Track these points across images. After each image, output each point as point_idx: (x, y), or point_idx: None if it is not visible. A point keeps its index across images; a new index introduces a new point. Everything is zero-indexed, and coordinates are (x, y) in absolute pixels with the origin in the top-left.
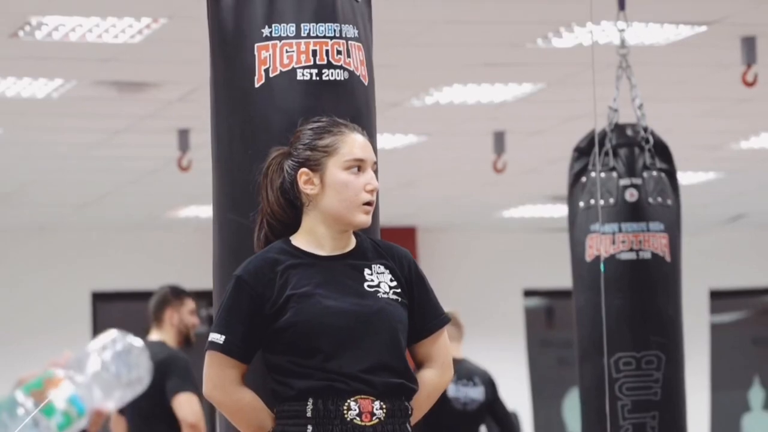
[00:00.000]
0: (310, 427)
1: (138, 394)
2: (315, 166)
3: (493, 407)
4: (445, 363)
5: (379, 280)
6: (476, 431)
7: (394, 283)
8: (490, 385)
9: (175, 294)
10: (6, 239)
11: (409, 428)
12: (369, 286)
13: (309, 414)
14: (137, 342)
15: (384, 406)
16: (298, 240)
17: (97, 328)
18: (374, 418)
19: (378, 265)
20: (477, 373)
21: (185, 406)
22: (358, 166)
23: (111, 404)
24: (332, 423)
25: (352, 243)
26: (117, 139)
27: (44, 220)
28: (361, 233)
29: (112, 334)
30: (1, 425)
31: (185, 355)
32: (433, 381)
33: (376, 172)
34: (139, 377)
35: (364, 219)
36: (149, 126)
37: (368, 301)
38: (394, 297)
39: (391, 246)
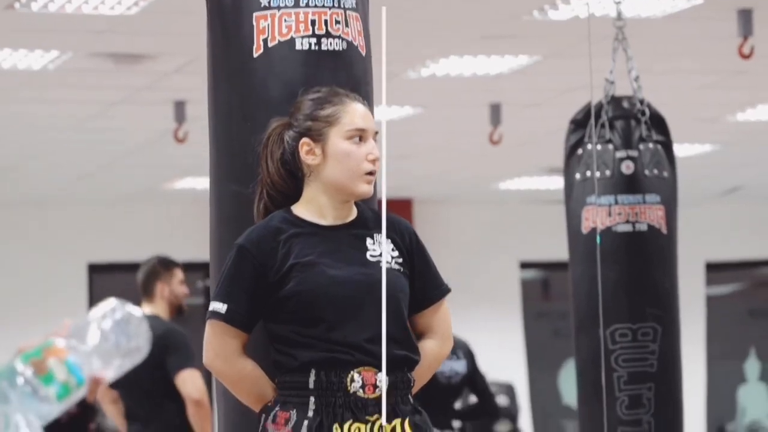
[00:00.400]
0: (312, 399)
1: (138, 370)
2: (316, 136)
3: (473, 379)
4: (446, 333)
5: (381, 249)
6: (455, 403)
7: (396, 253)
8: (470, 357)
9: (164, 265)
10: (1, 212)
11: (411, 399)
12: (372, 255)
13: (311, 386)
14: (136, 311)
15: (387, 379)
16: (300, 210)
17: (94, 300)
18: (377, 390)
19: (380, 235)
20: (459, 346)
21: (189, 382)
22: (360, 135)
23: (110, 373)
24: (335, 395)
25: (354, 213)
26: (113, 111)
27: (40, 192)
28: (361, 203)
29: (111, 303)
30: (0, 394)
31: (183, 329)
32: (434, 351)
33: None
34: (138, 346)
35: (366, 189)
36: (145, 98)
37: (371, 270)
38: (396, 267)
39: (391, 216)
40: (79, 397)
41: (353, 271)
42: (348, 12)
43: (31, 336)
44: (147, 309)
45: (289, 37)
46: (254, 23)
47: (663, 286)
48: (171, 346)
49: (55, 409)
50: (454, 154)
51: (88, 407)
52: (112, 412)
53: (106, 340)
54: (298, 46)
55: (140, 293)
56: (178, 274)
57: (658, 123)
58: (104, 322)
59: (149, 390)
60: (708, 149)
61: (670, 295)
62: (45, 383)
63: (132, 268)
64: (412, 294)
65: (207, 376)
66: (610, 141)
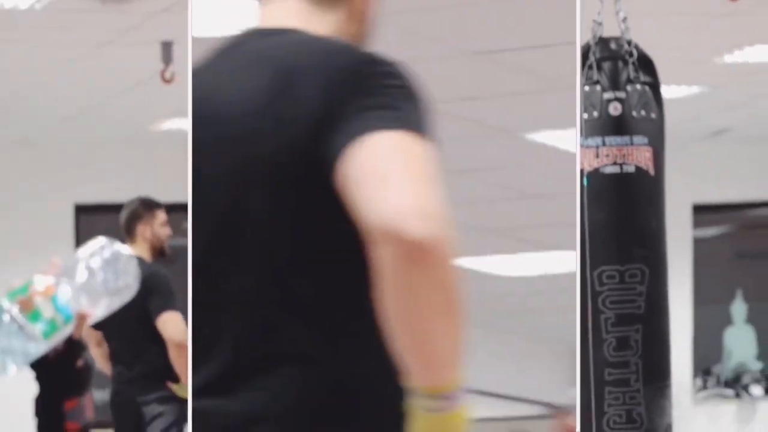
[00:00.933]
0: None
1: (124, 312)
2: None
3: None
4: None
5: None
6: None
7: None
8: None
9: (146, 207)
10: None
11: None
12: None
13: None
14: (125, 250)
15: None
16: None
17: (80, 241)
18: None
19: None
20: None
21: (170, 325)
22: None
23: (98, 311)
24: None
25: None
26: (99, 51)
27: (27, 133)
28: None
29: (100, 241)
30: None
31: (166, 271)
32: None
33: None
34: (127, 284)
35: None
36: (132, 38)
37: None
38: None
39: None
40: (67, 333)
41: None
42: None
43: (17, 276)
44: (130, 251)
45: None
46: None
47: (650, 227)
48: (153, 288)
49: (41, 347)
50: None
51: (75, 344)
52: (97, 354)
53: (94, 278)
54: None
55: (123, 235)
56: (160, 216)
57: (645, 64)
58: (93, 260)
59: (134, 332)
60: (696, 91)
61: (657, 236)
62: (31, 320)
63: (119, 209)
64: None
65: None
66: (597, 82)
